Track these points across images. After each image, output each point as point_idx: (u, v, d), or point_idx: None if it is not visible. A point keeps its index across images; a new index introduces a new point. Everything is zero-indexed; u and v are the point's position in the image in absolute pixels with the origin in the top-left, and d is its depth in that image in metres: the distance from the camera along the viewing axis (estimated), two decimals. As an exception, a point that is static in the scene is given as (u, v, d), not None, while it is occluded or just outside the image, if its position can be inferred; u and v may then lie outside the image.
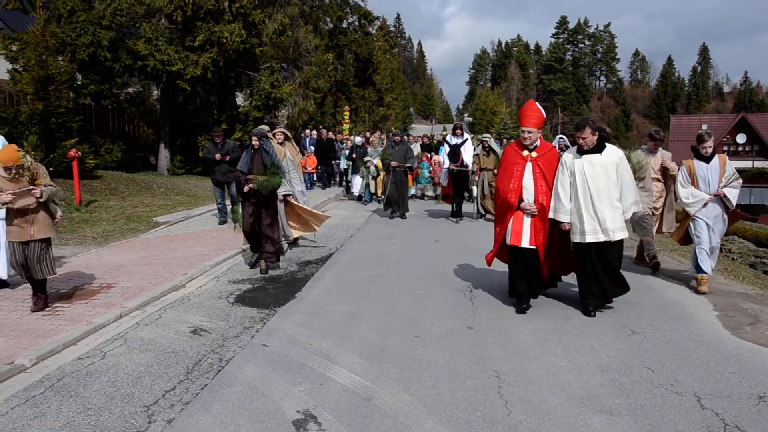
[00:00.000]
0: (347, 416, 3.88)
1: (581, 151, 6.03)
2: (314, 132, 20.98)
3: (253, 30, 19.13)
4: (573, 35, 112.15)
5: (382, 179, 16.02)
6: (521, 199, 6.19)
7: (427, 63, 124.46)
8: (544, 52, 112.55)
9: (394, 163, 13.43)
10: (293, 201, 9.58)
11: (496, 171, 12.52)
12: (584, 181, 5.93)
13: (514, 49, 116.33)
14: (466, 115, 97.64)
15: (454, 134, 13.14)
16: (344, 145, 20.43)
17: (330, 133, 22.24)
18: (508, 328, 5.67)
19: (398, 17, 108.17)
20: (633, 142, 71.38)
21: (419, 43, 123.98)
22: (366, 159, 16.72)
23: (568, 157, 6.13)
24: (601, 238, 5.88)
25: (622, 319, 5.96)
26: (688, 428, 3.72)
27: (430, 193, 18.51)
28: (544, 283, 6.66)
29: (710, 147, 7.10)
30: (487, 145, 13.37)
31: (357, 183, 17.62)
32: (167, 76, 18.23)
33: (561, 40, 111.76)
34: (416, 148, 19.01)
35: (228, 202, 11.74)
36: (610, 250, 6.01)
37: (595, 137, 5.95)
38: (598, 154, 5.98)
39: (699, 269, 7.07)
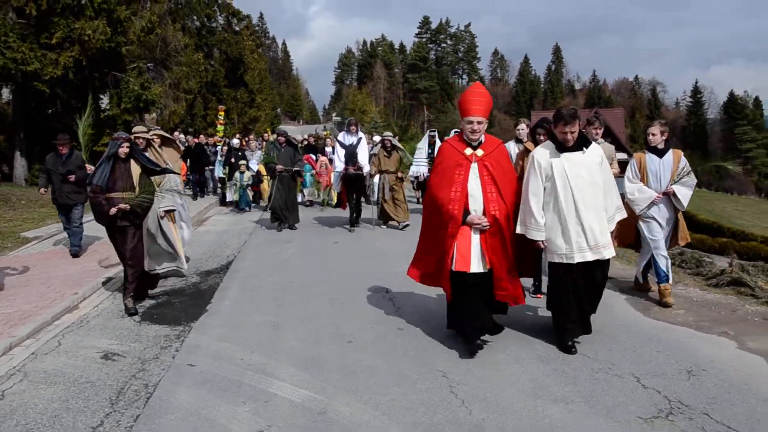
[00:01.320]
0: (306, 434, 3.66)
1: (560, 148, 4.90)
2: (182, 136, 19.01)
3: (118, 27, 17.91)
4: (435, 35, 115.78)
5: (266, 186, 14.83)
6: (467, 211, 4.92)
7: (293, 63, 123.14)
8: (408, 52, 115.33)
9: (280, 167, 11.91)
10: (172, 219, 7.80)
11: (399, 173, 11.98)
12: (566, 185, 4.80)
13: (379, 48, 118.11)
14: (334, 114, 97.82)
15: (348, 131, 11.93)
16: (218, 149, 18.15)
17: (200, 136, 20.09)
18: (440, 327, 5.64)
19: (261, 16, 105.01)
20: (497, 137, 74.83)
21: (284, 43, 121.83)
22: (241, 163, 15.45)
23: (541, 156, 4.96)
24: (589, 257, 4.78)
25: (545, 310, 5.82)
26: (639, 408, 3.89)
27: (315, 198, 16.98)
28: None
29: (656, 134, 6.30)
30: (389, 144, 12.05)
31: (231, 190, 16.07)
32: (22, 76, 16.58)
33: (424, 39, 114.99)
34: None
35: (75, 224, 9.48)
36: (597, 271, 4.93)
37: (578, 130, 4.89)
38: (580, 152, 4.87)
39: (661, 278, 6.32)
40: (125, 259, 6.60)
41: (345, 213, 12.86)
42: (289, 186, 12.24)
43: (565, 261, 4.84)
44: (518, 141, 8.14)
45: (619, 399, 4.02)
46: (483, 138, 5.11)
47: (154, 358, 5.07)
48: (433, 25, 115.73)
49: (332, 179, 14.66)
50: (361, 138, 12.00)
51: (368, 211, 12.68)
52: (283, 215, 12.12)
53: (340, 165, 11.75)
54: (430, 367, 4.67)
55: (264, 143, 18.55)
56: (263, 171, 14.62)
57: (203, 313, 6.40)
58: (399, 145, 12.36)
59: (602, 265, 4.90)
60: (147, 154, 7.25)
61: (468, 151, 5.07)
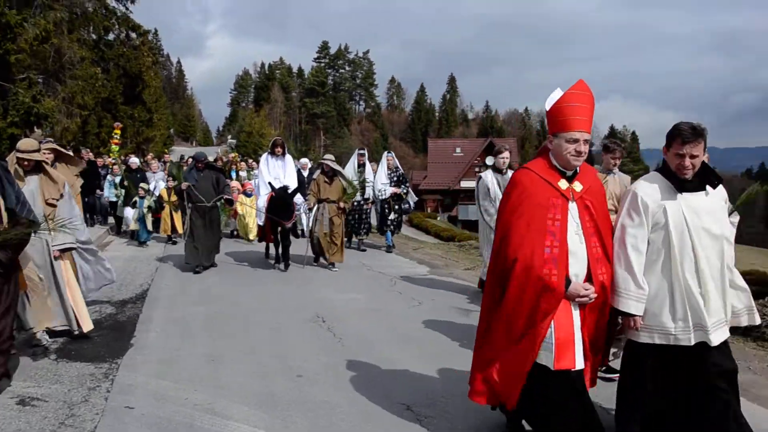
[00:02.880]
0: (280, 482, 3.37)
1: (680, 185, 3.36)
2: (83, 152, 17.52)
3: (8, 33, 16.60)
4: (334, 60, 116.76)
5: (166, 213, 13.03)
6: (568, 279, 3.31)
7: (187, 82, 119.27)
8: (306, 76, 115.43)
9: (185, 185, 9.70)
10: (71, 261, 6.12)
11: (342, 203, 10.15)
12: (685, 240, 3.30)
13: (277, 71, 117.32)
14: (229, 137, 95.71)
15: (272, 154, 10.15)
16: (111, 170, 16.18)
17: (89, 153, 17.96)
18: (389, 357, 5.48)
19: (156, 32, 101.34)
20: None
21: (178, 61, 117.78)
22: (141, 186, 13.41)
23: (648, 194, 3.38)
24: (713, 340, 3.30)
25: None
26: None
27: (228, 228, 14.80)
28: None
29: None
30: (328, 169, 10.12)
31: (130, 218, 13.64)
32: None
33: (323, 64, 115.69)
34: None
35: None
36: (717, 357, 3.33)
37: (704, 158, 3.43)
38: (703, 192, 3.38)
39: None
40: None
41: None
42: (212, 218, 10.10)
43: (669, 342, 3.33)
44: (497, 171, 7.31)
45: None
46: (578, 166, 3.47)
47: (83, 401, 4.53)
48: (332, 51, 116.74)
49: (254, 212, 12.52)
50: (287, 165, 10.26)
51: (297, 246, 10.94)
52: (202, 253, 9.84)
53: (264, 193, 10.09)
54: (391, 400, 4.49)
55: (166, 165, 17.60)
56: (165, 196, 13.08)
57: (129, 347, 5.86)
58: (340, 169, 10.74)
59: (722, 348, 3.36)
60: (35, 177, 5.62)
61: (563, 183, 3.41)
